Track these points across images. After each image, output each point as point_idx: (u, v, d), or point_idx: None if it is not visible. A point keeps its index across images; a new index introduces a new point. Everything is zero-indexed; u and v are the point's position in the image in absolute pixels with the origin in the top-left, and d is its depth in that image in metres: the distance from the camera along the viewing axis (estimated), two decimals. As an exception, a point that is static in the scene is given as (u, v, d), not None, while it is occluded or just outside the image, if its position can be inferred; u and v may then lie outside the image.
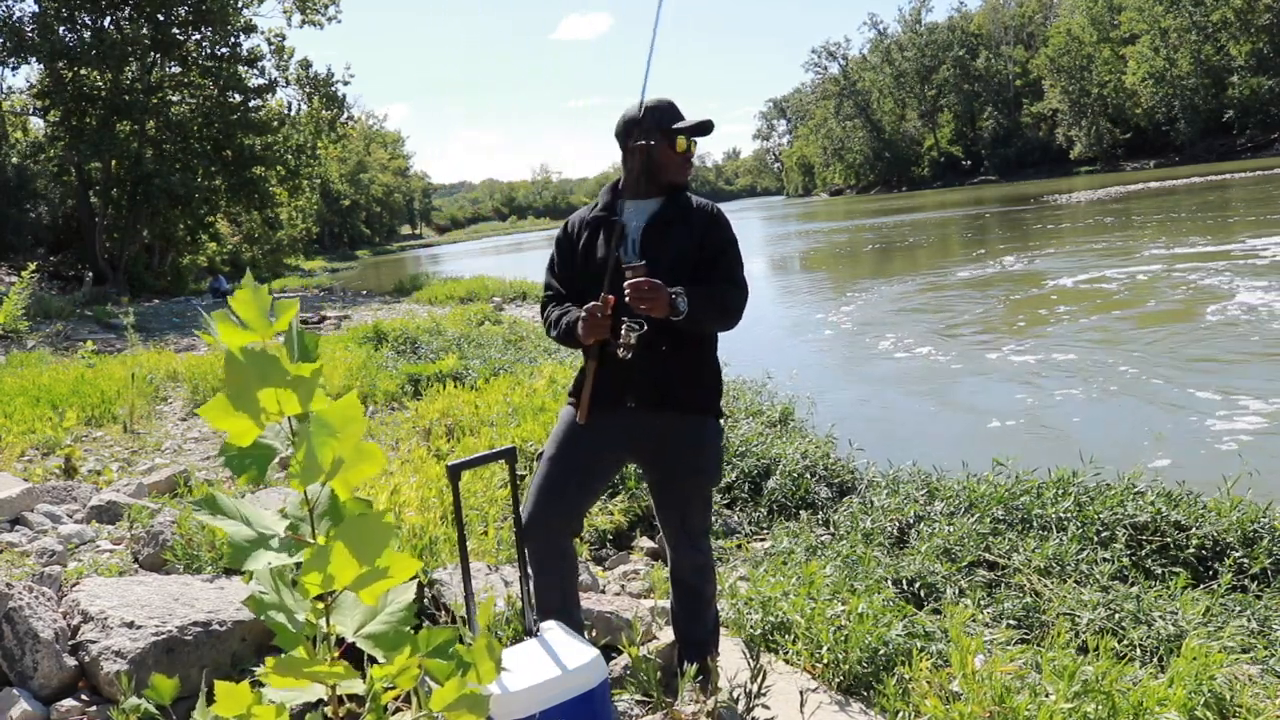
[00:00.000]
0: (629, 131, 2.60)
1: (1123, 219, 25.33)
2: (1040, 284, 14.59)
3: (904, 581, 3.43)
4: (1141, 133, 67.01)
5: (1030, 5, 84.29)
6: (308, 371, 0.92)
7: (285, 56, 29.35)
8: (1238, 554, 3.52)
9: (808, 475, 4.84)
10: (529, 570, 2.58)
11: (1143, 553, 3.62)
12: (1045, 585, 3.37)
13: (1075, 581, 3.38)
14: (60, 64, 24.43)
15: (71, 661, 2.76)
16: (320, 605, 1.01)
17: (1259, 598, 3.24)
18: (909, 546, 3.87)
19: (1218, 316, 10.29)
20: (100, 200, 25.74)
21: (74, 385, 8.01)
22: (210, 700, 1.02)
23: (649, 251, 2.52)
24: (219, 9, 25.90)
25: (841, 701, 2.78)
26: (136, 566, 3.69)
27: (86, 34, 25.24)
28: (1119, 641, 2.94)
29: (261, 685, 1.03)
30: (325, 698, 1.05)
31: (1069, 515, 3.85)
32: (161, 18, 25.64)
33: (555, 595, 2.59)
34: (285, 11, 28.66)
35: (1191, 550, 3.58)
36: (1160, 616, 3.03)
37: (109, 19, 25.76)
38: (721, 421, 2.69)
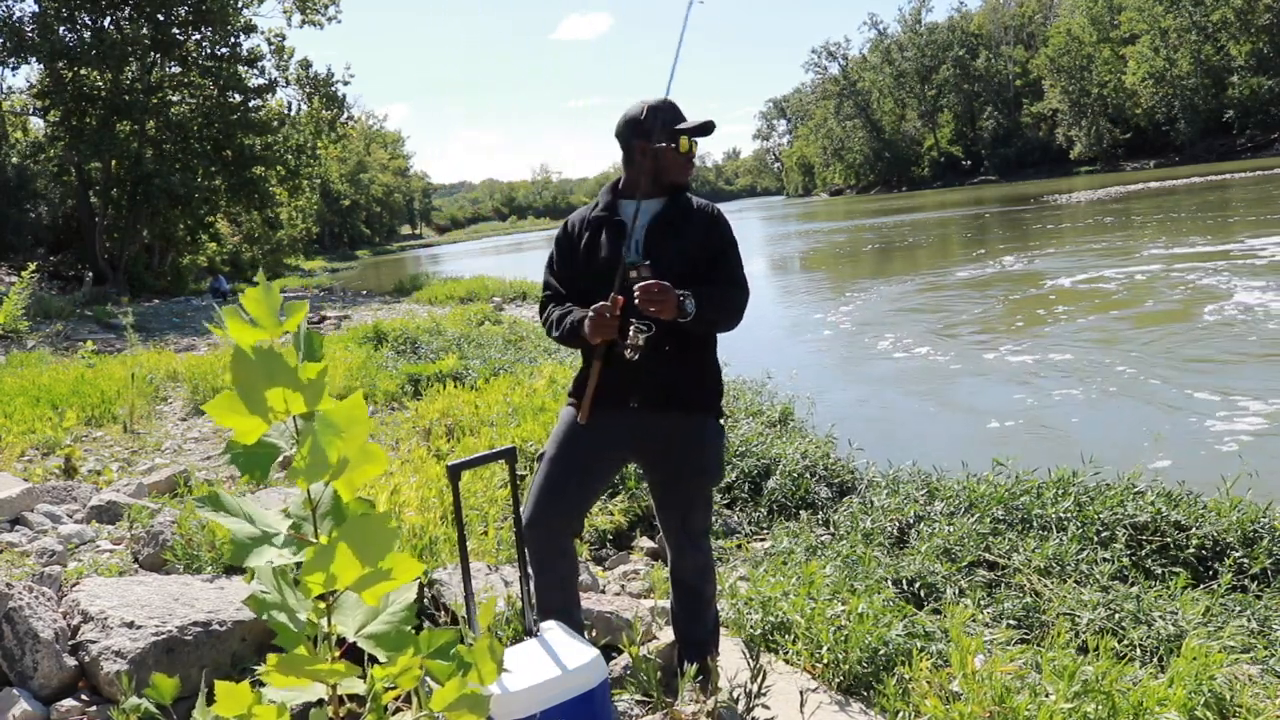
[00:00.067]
0: (632, 131, 2.60)
1: (1122, 219, 25.34)
2: (1040, 284, 14.60)
3: (904, 581, 3.43)
4: (1141, 133, 67.00)
5: (1030, 5, 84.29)
6: (314, 372, 0.92)
7: (285, 56, 29.35)
8: (1238, 554, 3.52)
9: (808, 475, 4.84)
10: (529, 570, 2.58)
11: (1143, 553, 3.62)
12: (1045, 585, 3.37)
13: (1075, 581, 3.38)
14: (60, 64, 24.43)
15: (71, 661, 2.76)
16: (322, 605, 1.01)
17: (1259, 598, 3.24)
18: (909, 546, 3.87)
19: (1216, 316, 10.29)
20: (100, 200, 25.74)
21: (74, 385, 8.02)
22: (210, 700, 1.02)
23: (653, 252, 2.52)
24: (219, 9, 25.90)
25: (841, 701, 2.78)
26: (136, 566, 3.69)
27: (86, 34, 25.25)
28: (1119, 641, 2.94)
29: (262, 685, 1.03)
30: (326, 697, 1.05)
31: (1069, 515, 3.85)
32: (161, 18, 25.64)
33: (556, 595, 2.59)
34: (285, 11, 28.67)
35: (1191, 550, 3.58)
36: (1160, 616, 3.03)
37: (109, 19, 25.76)
38: (722, 422, 2.69)
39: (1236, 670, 2.60)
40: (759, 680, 2.60)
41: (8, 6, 24.47)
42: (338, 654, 1.03)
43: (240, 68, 27.98)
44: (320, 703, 1.04)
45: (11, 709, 2.59)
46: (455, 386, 7.31)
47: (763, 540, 4.35)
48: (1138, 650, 2.92)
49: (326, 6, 28.84)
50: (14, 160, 27.19)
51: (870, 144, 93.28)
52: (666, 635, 3.00)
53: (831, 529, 4.33)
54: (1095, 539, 3.69)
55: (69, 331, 15.05)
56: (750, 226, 51.41)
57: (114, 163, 25.27)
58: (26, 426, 6.60)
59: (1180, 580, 3.28)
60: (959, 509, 4.09)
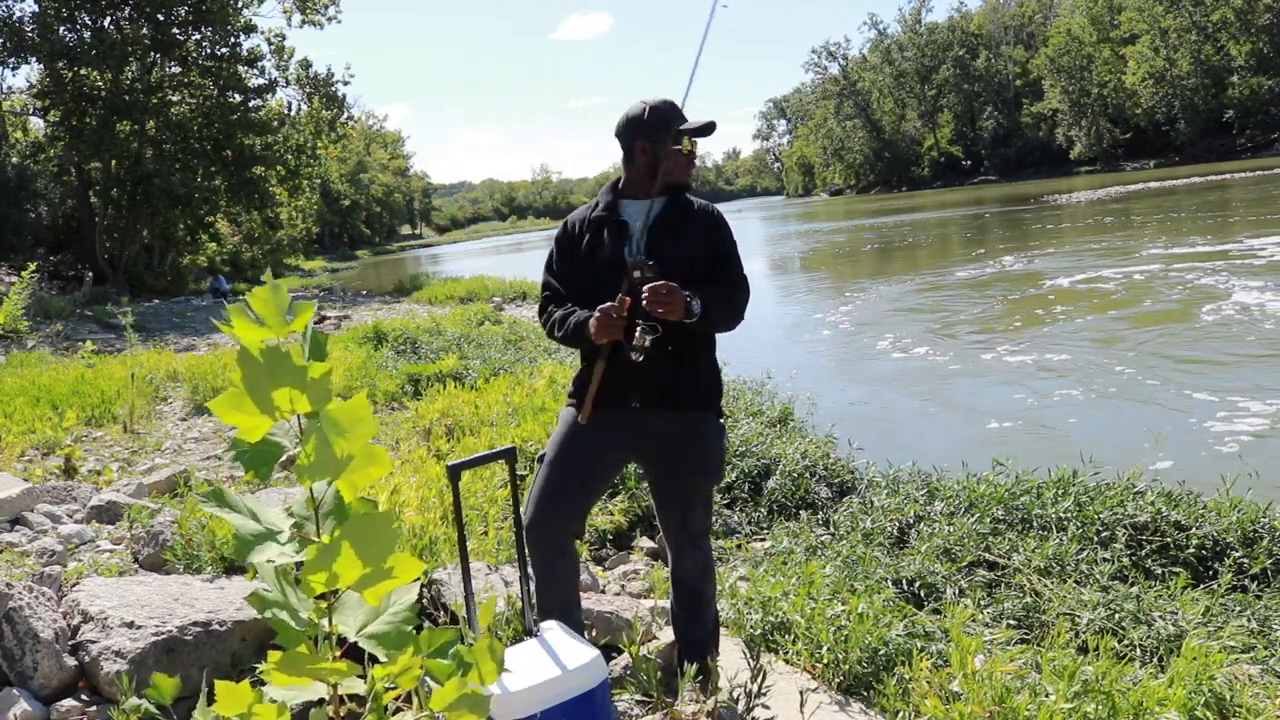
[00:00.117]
0: (633, 131, 2.60)
1: (1122, 219, 25.34)
2: (1039, 284, 14.60)
3: (904, 581, 3.43)
4: (1141, 133, 67.01)
5: (1030, 5, 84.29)
6: (319, 371, 0.93)
7: (285, 56, 29.35)
8: (1238, 554, 3.52)
9: (808, 475, 4.84)
10: (530, 571, 2.58)
11: (1143, 553, 3.62)
12: (1045, 585, 3.37)
13: (1075, 581, 3.38)
14: (60, 64, 24.43)
15: (71, 661, 2.76)
16: (323, 604, 1.01)
17: (1259, 598, 3.24)
18: (909, 546, 3.87)
19: (1214, 316, 10.30)
20: (100, 200, 25.74)
21: (74, 385, 8.01)
22: (211, 699, 1.02)
23: (655, 252, 2.52)
24: (219, 9, 25.90)
25: (841, 701, 2.78)
26: (136, 566, 3.69)
27: (86, 34, 25.25)
28: (1119, 641, 2.94)
29: (262, 684, 1.03)
30: (326, 697, 1.05)
31: (1069, 515, 3.85)
32: (161, 18, 25.64)
33: (556, 596, 2.59)
34: (285, 11, 28.67)
35: (1191, 550, 3.58)
36: (1160, 616, 3.03)
37: (109, 19, 25.75)
38: (722, 421, 2.69)
39: (1236, 670, 2.60)
40: (759, 680, 2.60)
41: (8, 6, 24.49)
42: (338, 654, 1.03)
43: (240, 68, 27.98)
44: (320, 702, 1.04)
45: (11, 709, 2.59)
46: (455, 386, 7.31)
47: (763, 540, 4.35)
48: (1138, 650, 2.92)
49: (326, 6, 28.84)
50: (14, 160, 27.19)
51: (870, 144, 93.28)
52: (666, 635, 3.01)
53: (831, 529, 4.33)
54: (1095, 539, 3.69)
55: (69, 331, 15.05)
56: (750, 226, 51.38)
57: (114, 163, 25.26)
58: (26, 426, 6.60)
59: (1180, 580, 3.28)
60: (959, 509, 4.09)
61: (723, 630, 3.03)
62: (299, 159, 29.82)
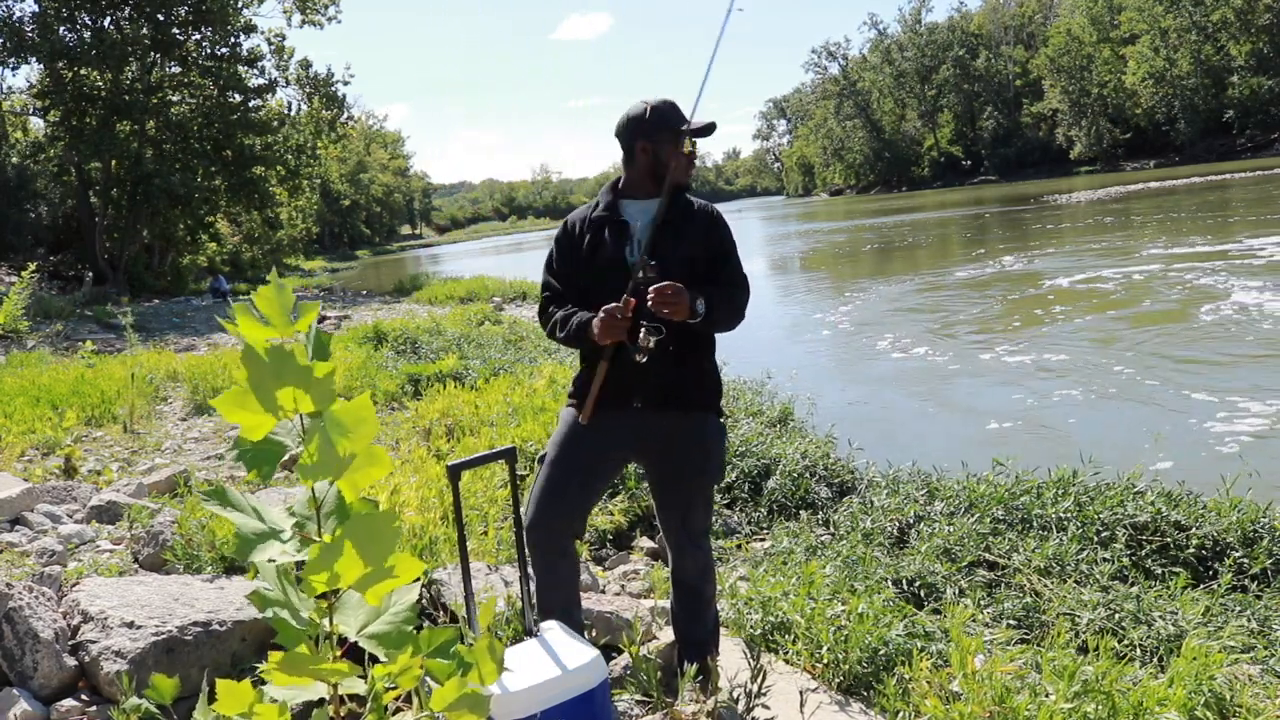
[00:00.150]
0: (634, 131, 2.60)
1: (1122, 219, 25.34)
2: (1039, 284, 14.60)
3: (904, 581, 3.43)
4: (1141, 133, 67.01)
5: (1030, 5, 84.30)
6: (324, 371, 0.93)
7: (285, 56, 29.36)
8: (1238, 554, 3.52)
9: (808, 475, 4.84)
10: (530, 571, 2.58)
11: (1143, 553, 3.62)
12: (1045, 585, 3.37)
13: (1075, 581, 3.38)
14: (60, 64, 24.43)
15: (71, 661, 2.77)
16: (323, 604, 1.01)
17: (1259, 598, 3.24)
18: (909, 546, 3.87)
19: (1213, 316, 10.30)
20: (100, 200, 25.75)
21: (74, 385, 8.02)
22: (212, 699, 1.02)
23: (656, 252, 2.52)
24: (219, 9, 25.91)
25: (841, 701, 2.78)
26: (136, 566, 3.69)
27: (86, 34, 25.25)
28: (1119, 641, 2.94)
29: (263, 684, 1.03)
30: (327, 697, 1.05)
31: (1069, 515, 3.85)
32: (161, 18, 25.64)
33: (557, 596, 2.59)
34: (285, 11, 28.67)
35: (1191, 550, 3.58)
36: (1160, 616, 3.03)
37: (109, 19, 25.76)
38: (723, 420, 2.69)
39: (1236, 670, 2.60)
40: (759, 680, 2.60)
41: (8, 6, 24.49)
42: (338, 653, 1.03)
43: (240, 68, 27.99)
44: (321, 702, 1.04)
45: (11, 709, 2.59)
46: (455, 386, 7.31)
47: (763, 540, 4.35)
48: (1138, 650, 2.92)
49: (326, 6, 28.85)
50: (14, 160, 27.20)
51: (870, 144, 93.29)
52: (666, 635, 3.01)
53: (831, 529, 4.33)
54: (1095, 539, 3.69)
55: (69, 331, 15.05)
56: (750, 226, 51.38)
57: (114, 163, 25.27)
58: (26, 426, 6.60)
59: (1180, 580, 3.28)
60: (959, 509, 4.09)
61: (723, 630, 3.03)
62: (299, 159, 29.83)
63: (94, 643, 2.77)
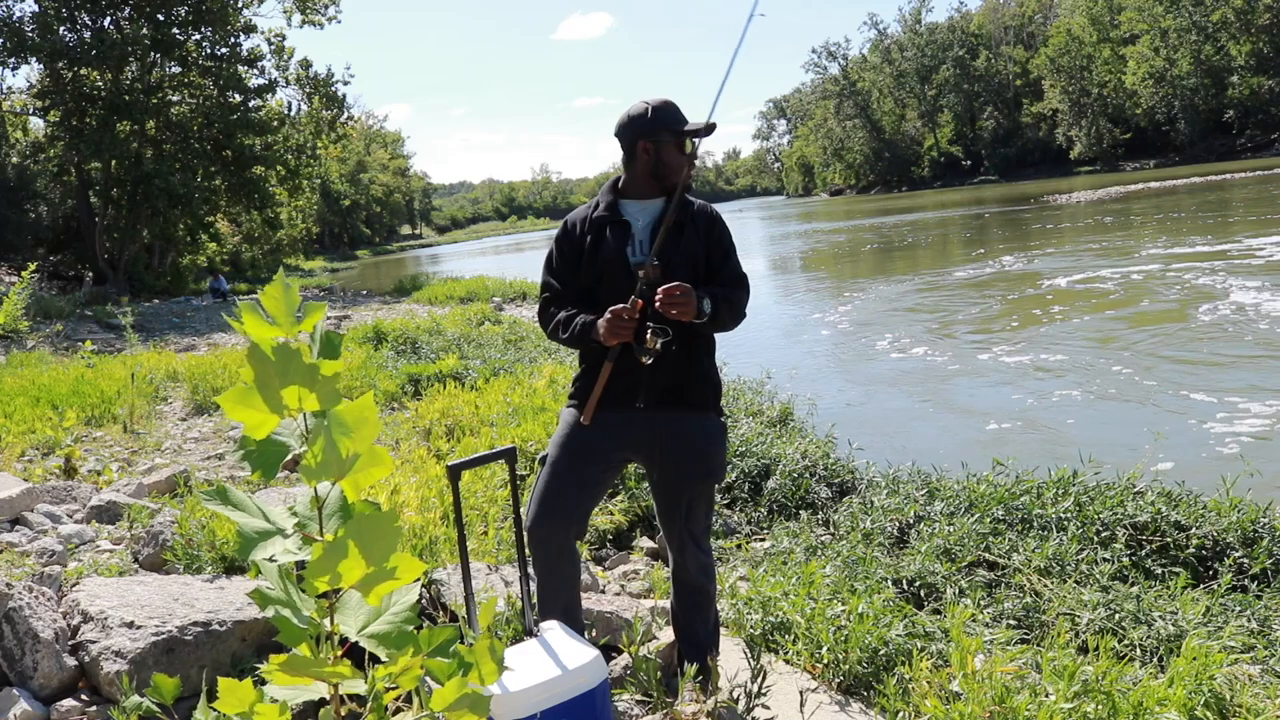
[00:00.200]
0: (635, 131, 2.60)
1: (1122, 219, 25.34)
2: (1038, 284, 14.60)
3: (904, 581, 3.43)
4: (1141, 133, 67.03)
5: (1030, 5, 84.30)
6: (331, 369, 0.93)
7: (285, 56, 29.38)
8: (1238, 554, 3.52)
9: (808, 475, 4.84)
10: (530, 571, 2.58)
11: (1143, 553, 3.62)
12: (1045, 585, 3.37)
13: (1075, 581, 3.38)
14: (60, 64, 24.45)
15: (71, 661, 2.77)
16: (324, 604, 1.01)
17: (1259, 598, 3.24)
18: (909, 546, 3.87)
19: (1211, 316, 10.31)
20: (100, 200, 25.75)
21: (74, 385, 8.02)
22: (212, 698, 1.02)
23: (660, 252, 2.52)
24: (219, 9, 25.93)
25: (841, 701, 2.78)
26: (136, 566, 3.69)
27: (86, 34, 25.27)
28: (1119, 641, 2.94)
29: (263, 684, 1.03)
30: (327, 697, 1.05)
31: (1069, 515, 3.85)
32: (161, 18, 25.66)
33: (557, 596, 2.59)
34: (285, 11, 28.68)
35: (1191, 550, 3.58)
36: (1160, 616, 3.03)
37: (109, 19, 25.78)
38: (723, 420, 2.69)
39: (1236, 670, 2.60)
40: (759, 680, 2.60)
41: (8, 6, 24.52)
42: (339, 653, 1.03)
43: (240, 68, 28.01)
44: (322, 702, 1.04)
45: (11, 709, 2.59)
46: (455, 386, 7.31)
47: (763, 540, 4.35)
48: (1138, 650, 2.92)
49: (326, 6, 28.87)
50: (14, 160, 27.22)
51: (870, 144, 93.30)
52: (666, 635, 3.00)
53: (831, 529, 4.33)
54: (1095, 539, 3.69)
55: (69, 331, 15.05)
56: (750, 226, 51.38)
57: (114, 163, 25.28)
58: (26, 426, 6.61)
59: (1180, 580, 3.28)
60: (959, 509, 4.09)
61: (723, 630, 3.03)
62: (299, 159, 29.86)
63: (94, 643, 2.77)
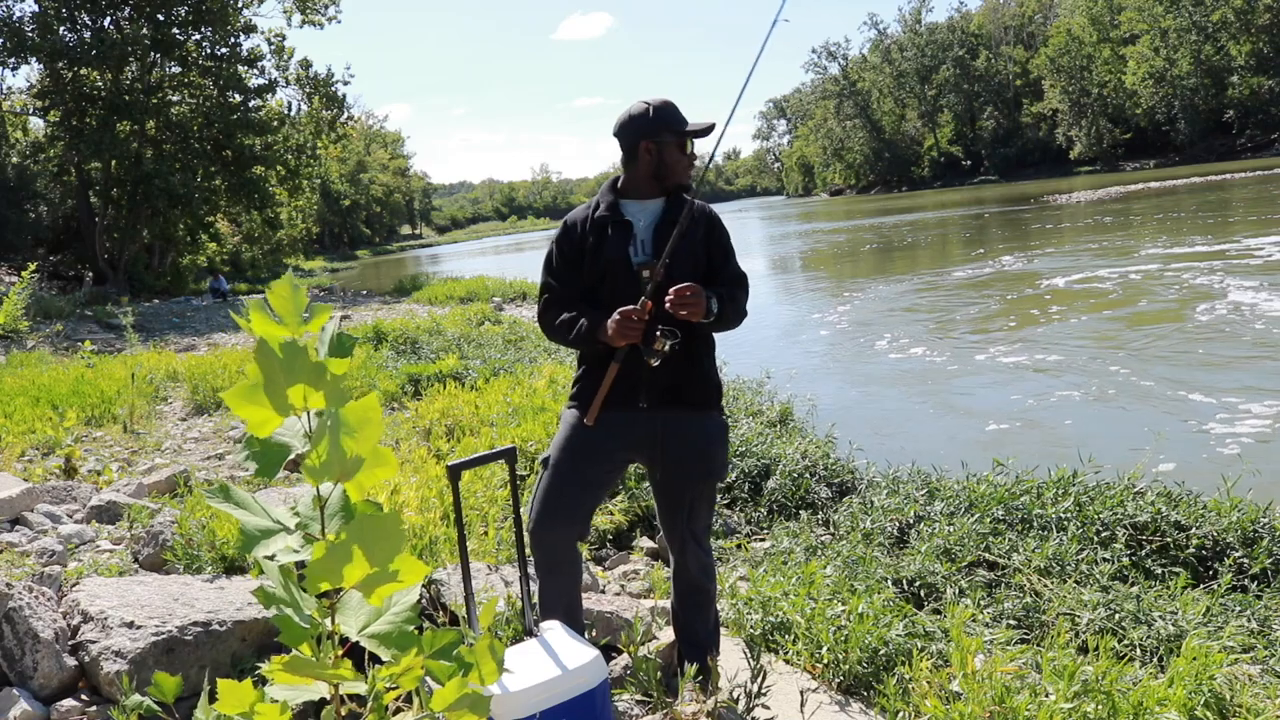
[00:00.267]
0: (635, 131, 2.60)
1: (1122, 219, 25.34)
2: (1038, 284, 14.60)
3: (904, 581, 3.43)
4: (1141, 133, 67.02)
5: (1030, 5, 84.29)
6: (340, 368, 0.93)
7: (285, 56, 29.38)
8: (1238, 554, 3.52)
9: (808, 475, 4.84)
10: (530, 571, 2.58)
11: (1143, 553, 3.62)
12: (1045, 585, 3.37)
13: (1075, 581, 3.38)
14: (60, 64, 24.45)
15: (71, 661, 2.77)
16: (325, 603, 1.01)
17: (1259, 598, 3.24)
18: (909, 546, 3.87)
19: (1209, 316, 10.31)
20: (100, 200, 25.76)
21: (74, 385, 8.02)
22: (213, 698, 1.02)
23: (661, 252, 2.52)
24: (219, 9, 25.94)
25: (841, 701, 2.78)
26: (136, 566, 3.69)
27: (86, 34, 25.28)
28: (1119, 641, 2.94)
29: (264, 684, 1.04)
30: (328, 697, 1.05)
31: (1069, 515, 3.85)
32: (161, 18, 25.66)
33: (560, 598, 2.59)
34: (285, 11, 28.68)
35: (1191, 550, 3.58)
36: (1160, 616, 3.03)
37: (109, 19, 25.78)
38: (724, 419, 2.70)
39: (1236, 670, 2.61)
40: (759, 680, 2.60)
41: (8, 6, 24.53)
42: (340, 653, 1.03)
43: (240, 68, 28.02)
44: (323, 702, 1.04)
45: (11, 709, 2.59)
46: (455, 386, 7.31)
47: (763, 540, 4.35)
48: (1138, 650, 2.92)
49: (326, 6, 28.87)
50: (14, 160, 27.22)
51: (870, 144, 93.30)
52: (666, 635, 3.01)
53: (831, 529, 4.33)
54: (1095, 539, 3.69)
55: (69, 331, 15.05)
56: (750, 226, 51.38)
57: (114, 163, 25.28)
58: (26, 426, 6.61)
59: (1180, 580, 3.28)
60: (959, 509, 4.09)
61: (723, 630, 3.03)
62: (299, 159, 29.86)
63: (94, 643, 2.77)
